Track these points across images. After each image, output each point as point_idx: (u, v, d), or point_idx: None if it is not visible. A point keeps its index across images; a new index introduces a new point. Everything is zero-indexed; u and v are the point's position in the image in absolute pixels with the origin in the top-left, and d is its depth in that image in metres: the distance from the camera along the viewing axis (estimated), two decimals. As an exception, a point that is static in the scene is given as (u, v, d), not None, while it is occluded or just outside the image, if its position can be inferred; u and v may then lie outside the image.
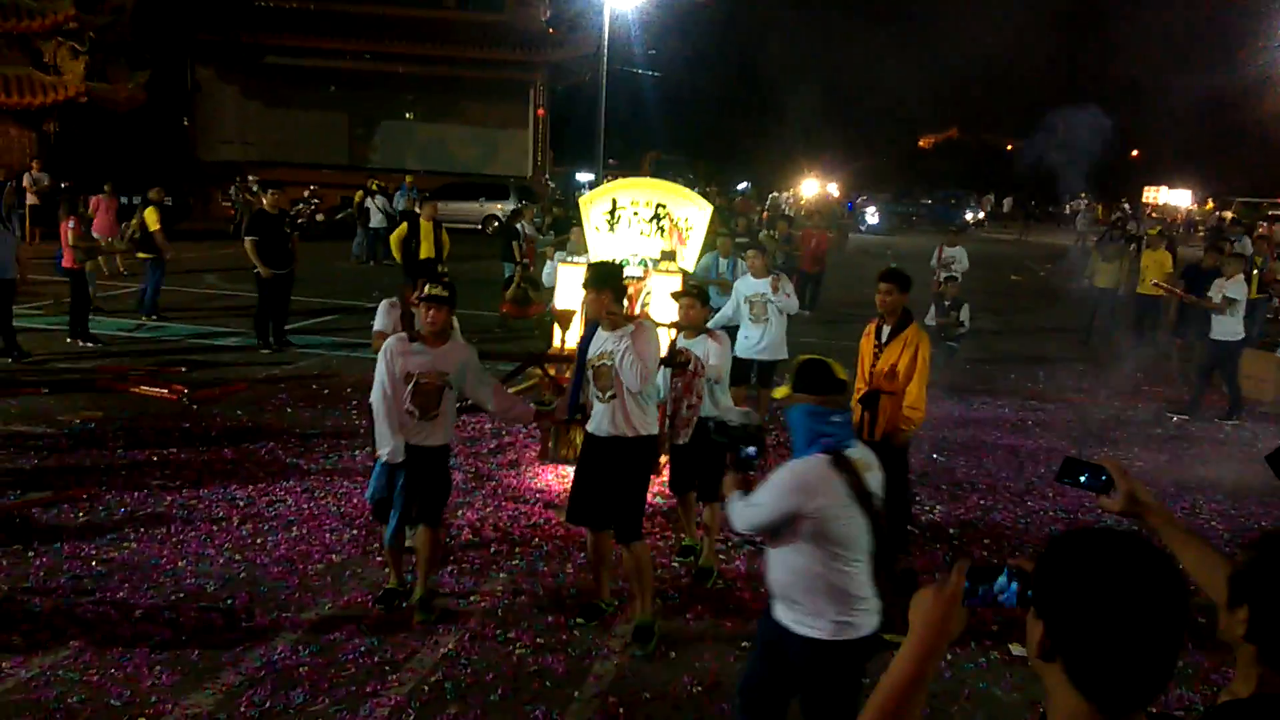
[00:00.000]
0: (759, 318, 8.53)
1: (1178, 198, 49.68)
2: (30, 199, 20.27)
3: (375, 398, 5.08)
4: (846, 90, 50.83)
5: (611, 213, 8.64)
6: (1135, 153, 61.65)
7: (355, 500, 6.79)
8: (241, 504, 6.67)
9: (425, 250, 12.58)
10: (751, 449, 3.61)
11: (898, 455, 6.18)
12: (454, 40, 33.95)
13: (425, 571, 5.29)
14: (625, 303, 5.45)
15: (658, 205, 8.51)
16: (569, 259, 8.97)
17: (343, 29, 33.62)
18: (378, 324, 5.96)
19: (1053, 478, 7.84)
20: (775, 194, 39.84)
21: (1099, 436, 9.43)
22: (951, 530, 6.83)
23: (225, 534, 6.17)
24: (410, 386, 5.02)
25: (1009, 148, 61.34)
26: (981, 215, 44.96)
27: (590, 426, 5.15)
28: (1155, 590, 1.40)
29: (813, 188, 42.40)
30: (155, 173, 25.14)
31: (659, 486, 6.84)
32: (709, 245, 9.53)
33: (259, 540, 6.10)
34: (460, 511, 6.70)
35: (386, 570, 5.47)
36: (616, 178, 12.71)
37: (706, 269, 10.11)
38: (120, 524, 6.26)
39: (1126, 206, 44.18)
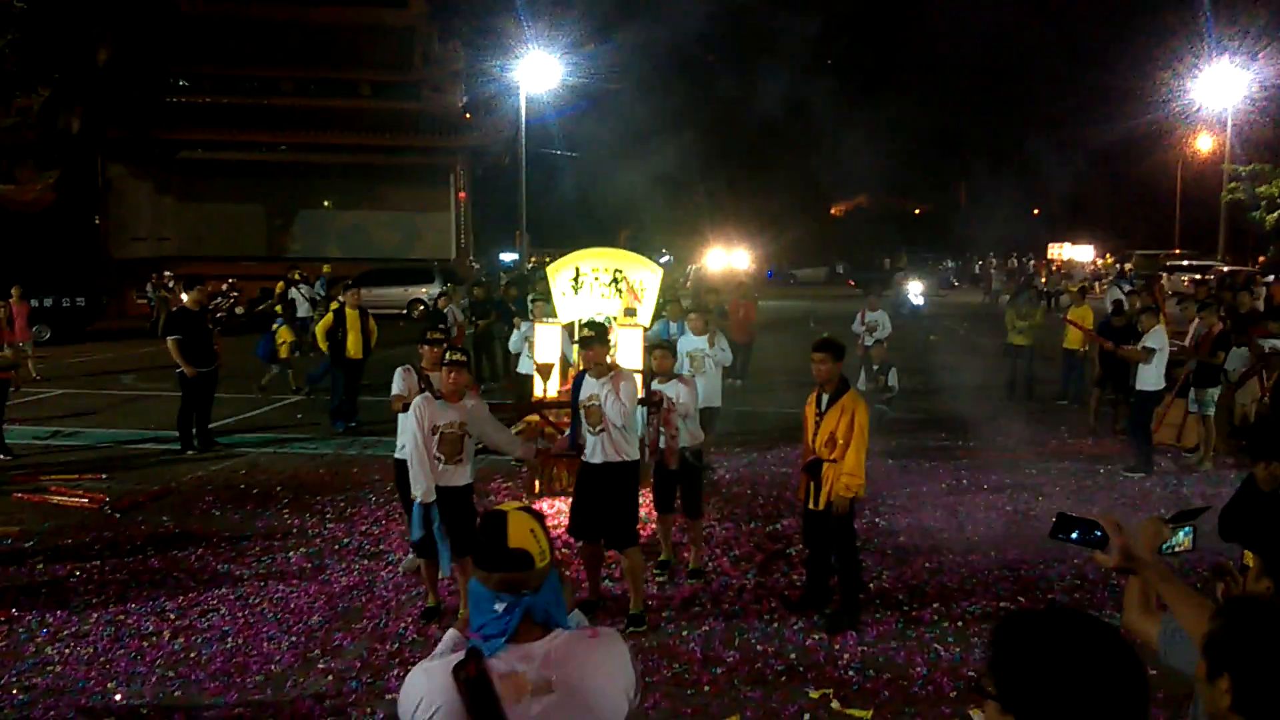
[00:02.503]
0: (698, 370, 9.56)
1: (1080, 253, 51.64)
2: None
3: (409, 449, 6.05)
4: (757, 161, 52.17)
5: (575, 278, 9.99)
6: (1036, 210, 64.24)
7: (293, 604, 6.57)
8: (172, 616, 6.39)
9: (353, 339, 12.39)
10: None
11: (843, 523, 6.24)
12: (370, 128, 34.13)
13: (466, 594, 5.88)
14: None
15: (615, 270, 9.85)
16: (544, 320, 10.22)
17: (257, 122, 33.58)
18: (395, 388, 6.75)
19: (993, 535, 8.01)
20: (695, 266, 40.45)
21: (1032, 490, 9.59)
22: (900, 596, 6.84)
23: (156, 650, 5.89)
24: (437, 437, 5.98)
25: (916, 211, 63.44)
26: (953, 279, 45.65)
27: (585, 455, 6.34)
28: (1117, 672, 1.41)
29: (719, 259, 43.14)
30: (66, 273, 24.58)
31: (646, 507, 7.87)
32: (659, 310, 10.78)
33: (192, 654, 5.83)
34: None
35: (424, 589, 6.53)
36: (547, 261, 13.48)
37: (658, 334, 10.90)
38: (42, 646, 5.94)
39: (1030, 263, 45.86)
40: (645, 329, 9.71)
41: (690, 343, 9.83)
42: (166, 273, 25.62)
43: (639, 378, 7.53)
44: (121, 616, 6.39)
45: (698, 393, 7.49)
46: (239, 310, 24.37)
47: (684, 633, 6.19)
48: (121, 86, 32.56)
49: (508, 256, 41.08)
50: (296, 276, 21.18)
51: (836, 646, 5.99)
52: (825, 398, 6.24)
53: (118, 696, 5.30)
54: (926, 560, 7.57)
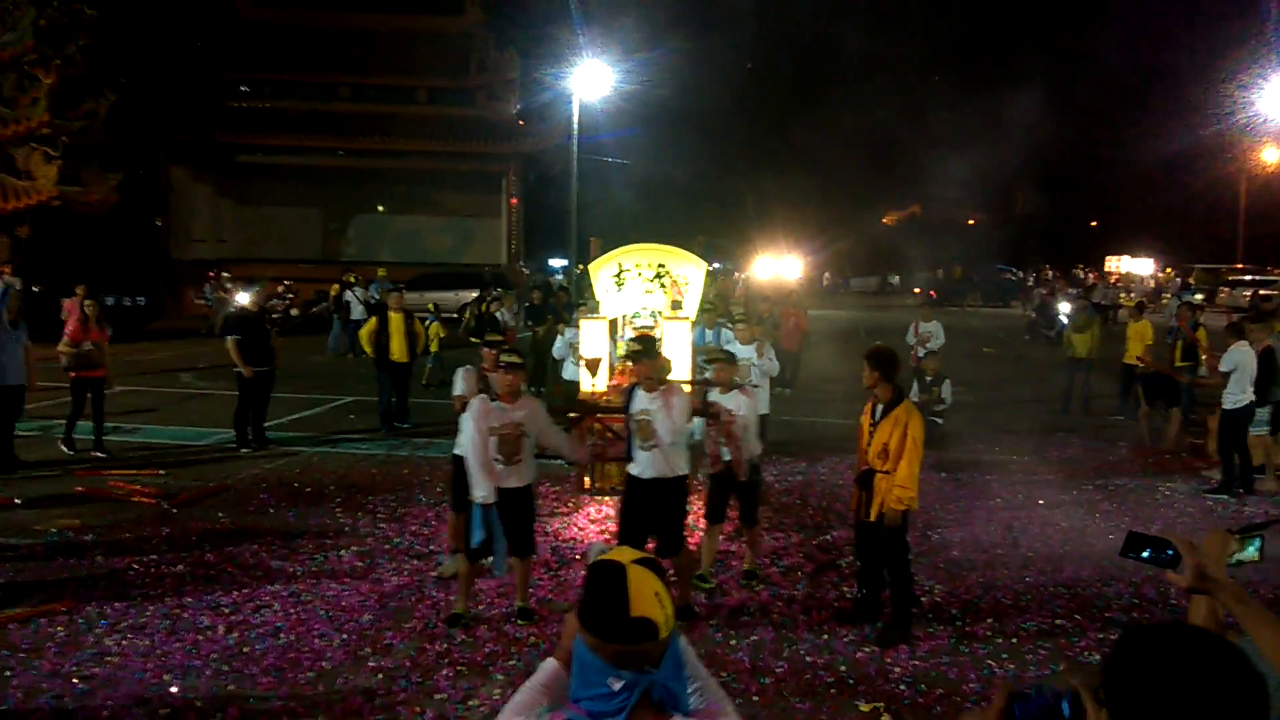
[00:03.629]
0: (744, 380, 9.22)
1: (1140, 266, 50.63)
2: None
3: (468, 450, 6.07)
4: (809, 170, 51.91)
5: (618, 275, 9.85)
6: (1094, 222, 63.10)
7: (344, 603, 6.63)
8: (227, 611, 6.49)
9: (397, 343, 12.38)
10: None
11: (895, 535, 6.15)
12: (426, 134, 34.50)
13: (523, 591, 6.44)
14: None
15: (659, 265, 9.70)
16: (590, 316, 10.16)
17: (314, 127, 34.13)
18: (457, 389, 7.00)
19: (1049, 552, 7.86)
20: (743, 275, 40.30)
21: (1088, 506, 9.40)
22: (954, 611, 6.73)
23: (211, 644, 5.98)
24: (495, 439, 6.02)
25: (970, 222, 62.61)
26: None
27: (634, 471, 6.31)
28: (1236, 692, 1.36)
29: (768, 268, 42.82)
30: (128, 273, 25.17)
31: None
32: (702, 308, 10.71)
33: (246, 649, 5.91)
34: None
35: (454, 598, 6.49)
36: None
37: (694, 340, 10.80)
38: (101, 637, 6.05)
39: (1088, 275, 44.99)
40: (693, 323, 9.75)
41: (737, 352, 9.74)
42: (224, 274, 26.11)
43: (687, 387, 7.54)
44: (178, 610, 6.49)
45: (756, 406, 7.29)
46: (294, 312, 24.80)
47: (732, 641, 6.15)
48: (184, 91, 33.34)
49: (557, 262, 41.28)
50: (352, 280, 21.49)
51: (888, 660, 5.91)
52: (879, 408, 6.17)
53: (174, 688, 5.38)
54: (980, 575, 7.45)
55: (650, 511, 6.25)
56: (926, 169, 48.27)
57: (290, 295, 25.59)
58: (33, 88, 24.81)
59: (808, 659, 5.91)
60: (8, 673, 5.52)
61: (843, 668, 5.79)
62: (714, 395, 7.14)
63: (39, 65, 24.61)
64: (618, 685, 1.83)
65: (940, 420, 11.54)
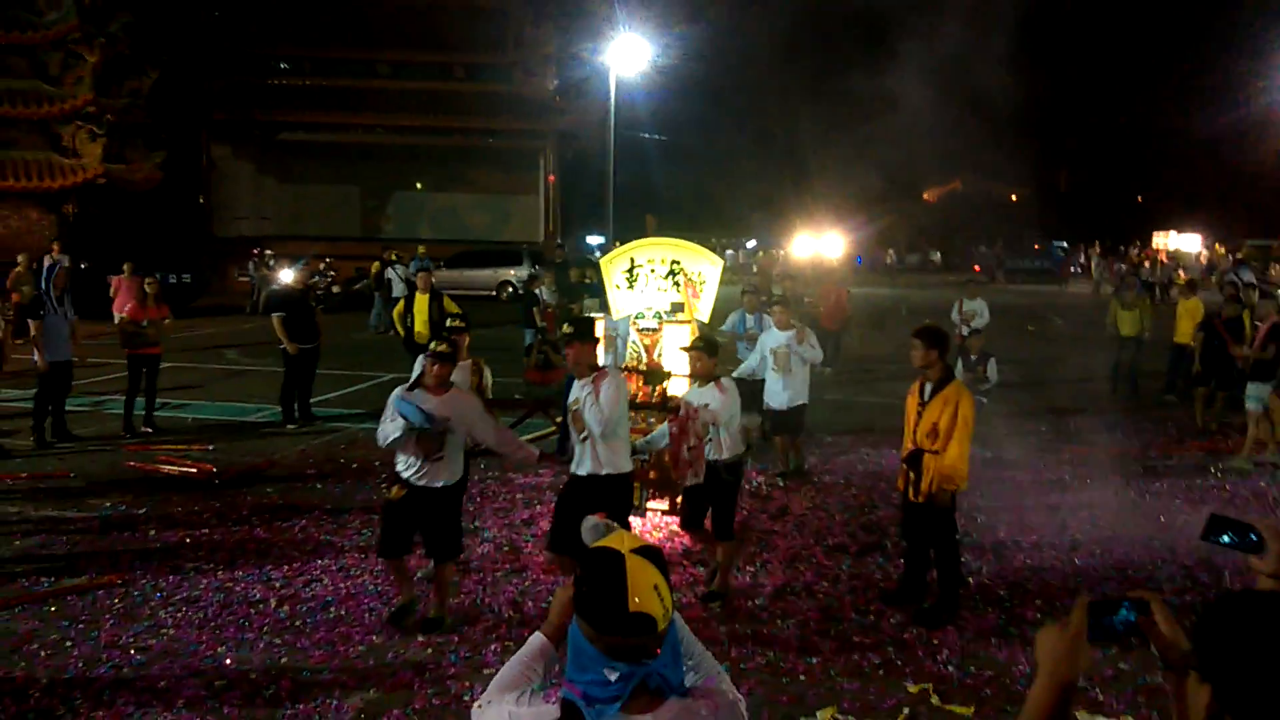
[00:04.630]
0: (782, 368, 9.21)
1: (1187, 242, 49.69)
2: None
3: (379, 439, 5.72)
4: (847, 145, 51.34)
5: (630, 271, 9.15)
6: (1140, 198, 61.96)
7: (393, 576, 6.68)
8: (278, 585, 6.58)
9: (419, 323, 12.09)
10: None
11: (943, 516, 6.10)
12: (463, 111, 34.51)
13: (442, 600, 5.96)
14: (643, 352, 7.80)
15: (672, 262, 8.98)
16: (591, 313, 9.39)
17: (354, 104, 34.24)
18: (415, 376, 6.42)
19: (1098, 534, 7.76)
20: (779, 251, 40.04)
21: (1138, 488, 9.27)
22: (1001, 592, 6.68)
23: (263, 617, 6.07)
24: (414, 431, 5.54)
25: (1013, 198, 61.72)
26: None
27: (572, 466, 5.85)
28: None
29: (806, 245, 42.44)
30: (173, 250, 25.50)
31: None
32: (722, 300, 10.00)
33: (297, 622, 6.00)
34: (501, 587, 6.59)
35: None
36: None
37: (734, 325, 10.93)
38: (156, 609, 6.17)
39: (1136, 252, 44.25)
40: (704, 323, 9.06)
41: (774, 338, 9.39)
42: (267, 251, 26.37)
43: (688, 383, 7.00)
44: (230, 584, 6.60)
45: (736, 399, 6.49)
46: (335, 289, 25.01)
47: (778, 620, 6.14)
48: (226, 69, 33.58)
49: (594, 239, 41.26)
50: (393, 257, 21.59)
51: (935, 641, 5.87)
52: (928, 387, 6.10)
53: (228, 660, 5.48)
54: (1028, 557, 7.38)
55: (583, 512, 5.70)
56: (968, 144, 47.56)
57: (331, 273, 25.80)
58: (77, 66, 25.13)
59: (854, 639, 5.89)
60: (68, 642, 5.65)
61: (890, 648, 5.76)
62: (691, 389, 6.72)
63: (83, 44, 24.91)
64: (614, 676, 1.82)
65: (985, 399, 11.39)
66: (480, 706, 2.13)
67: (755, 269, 33.67)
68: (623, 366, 8.50)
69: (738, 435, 6.55)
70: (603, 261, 9.50)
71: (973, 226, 47.80)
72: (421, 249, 24.77)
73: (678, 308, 8.74)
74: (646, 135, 42.10)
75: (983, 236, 49.09)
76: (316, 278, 24.43)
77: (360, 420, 11.87)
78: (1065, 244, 46.33)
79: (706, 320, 9.20)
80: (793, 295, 14.37)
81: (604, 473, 5.69)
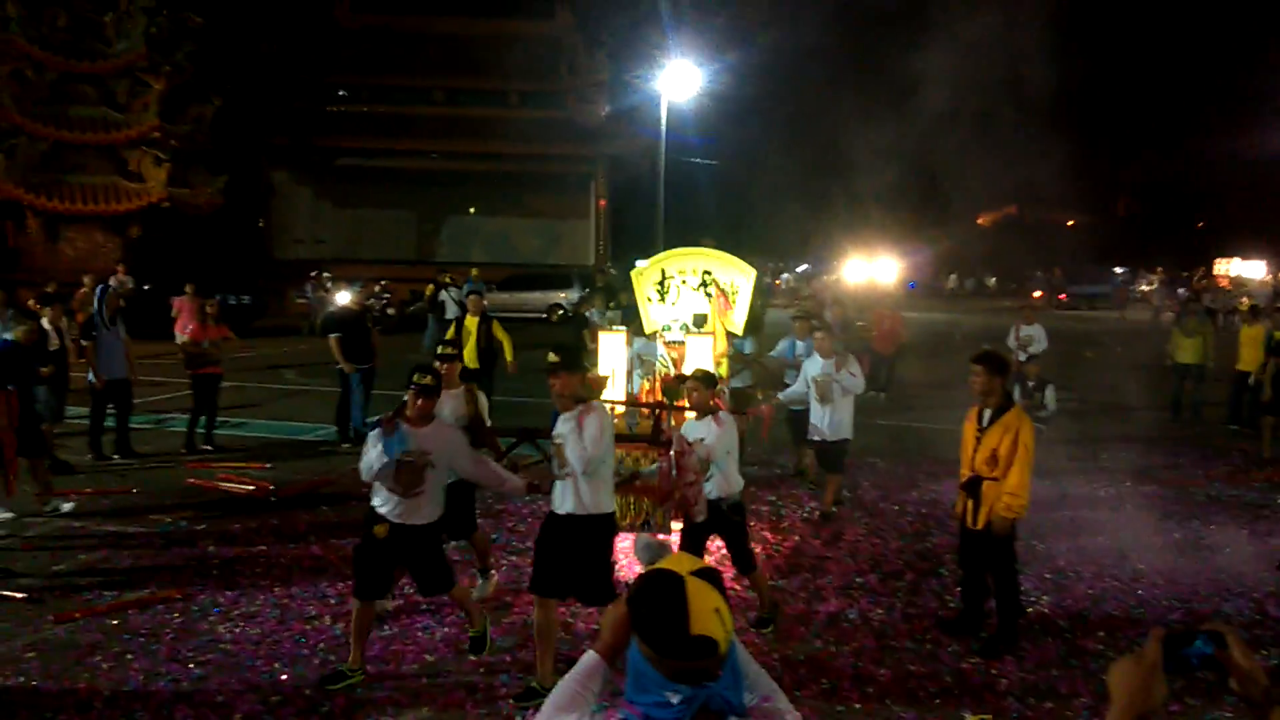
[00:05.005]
0: (824, 398, 8.69)
1: (1251, 269, 48.55)
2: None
3: (362, 471, 5.45)
4: (901, 168, 51.00)
5: (661, 282, 8.92)
6: (1201, 223, 60.72)
7: (444, 597, 6.71)
8: (333, 602, 6.64)
9: (469, 349, 11.76)
10: None
11: (1003, 544, 6.00)
12: (516, 137, 34.95)
13: (475, 617, 5.86)
14: (670, 366, 7.47)
15: (704, 272, 8.74)
16: (609, 327, 9.28)
17: (409, 130, 34.84)
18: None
19: (1161, 564, 7.56)
20: (831, 276, 39.74)
21: (1202, 518, 9.03)
22: (1062, 623, 6.53)
23: (318, 634, 6.13)
24: (395, 465, 5.30)
25: (1070, 223, 60.85)
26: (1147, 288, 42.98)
27: (553, 503, 5.44)
28: None
29: (858, 270, 42.06)
30: (233, 272, 26.05)
31: None
32: (756, 315, 9.82)
33: (351, 640, 6.02)
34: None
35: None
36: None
37: (783, 351, 10.52)
38: (214, 624, 6.25)
39: (1198, 278, 43.28)
40: (738, 335, 8.88)
41: (815, 365, 8.87)
42: (325, 274, 26.81)
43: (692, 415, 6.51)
44: (286, 600, 6.67)
45: (733, 434, 6.28)
46: (390, 311, 25.34)
47: (832, 648, 6.06)
48: (285, 96, 34.39)
49: (644, 263, 41.34)
50: (447, 280, 21.80)
51: (994, 671, 5.76)
52: (987, 413, 6.01)
53: (283, 676, 5.53)
54: (1088, 587, 7.22)
55: (567, 554, 5.31)
56: (1023, 168, 47.02)
57: (387, 295, 26.16)
58: (144, 94, 25.91)
59: (910, 668, 5.79)
60: (129, 655, 5.74)
61: (947, 678, 5.66)
62: (687, 422, 6.44)
63: (150, 72, 25.68)
64: (676, 699, 1.80)
65: (1043, 427, 11.20)
66: None
67: (808, 293, 33.51)
68: (642, 387, 8.38)
69: (733, 474, 6.25)
70: (633, 274, 9.23)
71: (1029, 252, 47.13)
72: (475, 271, 25.04)
73: (701, 320, 8.53)
74: (697, 160, 42.25)
75: (1039, 262, 48.42)
76: (372, 300, 24.80)
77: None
78: (1124, 270, 45.50)
79: (740, 333, 9.01)
80: (844, 320, 14.30)
81: (585, 513, 5.28)
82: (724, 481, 6.18)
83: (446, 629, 6.21)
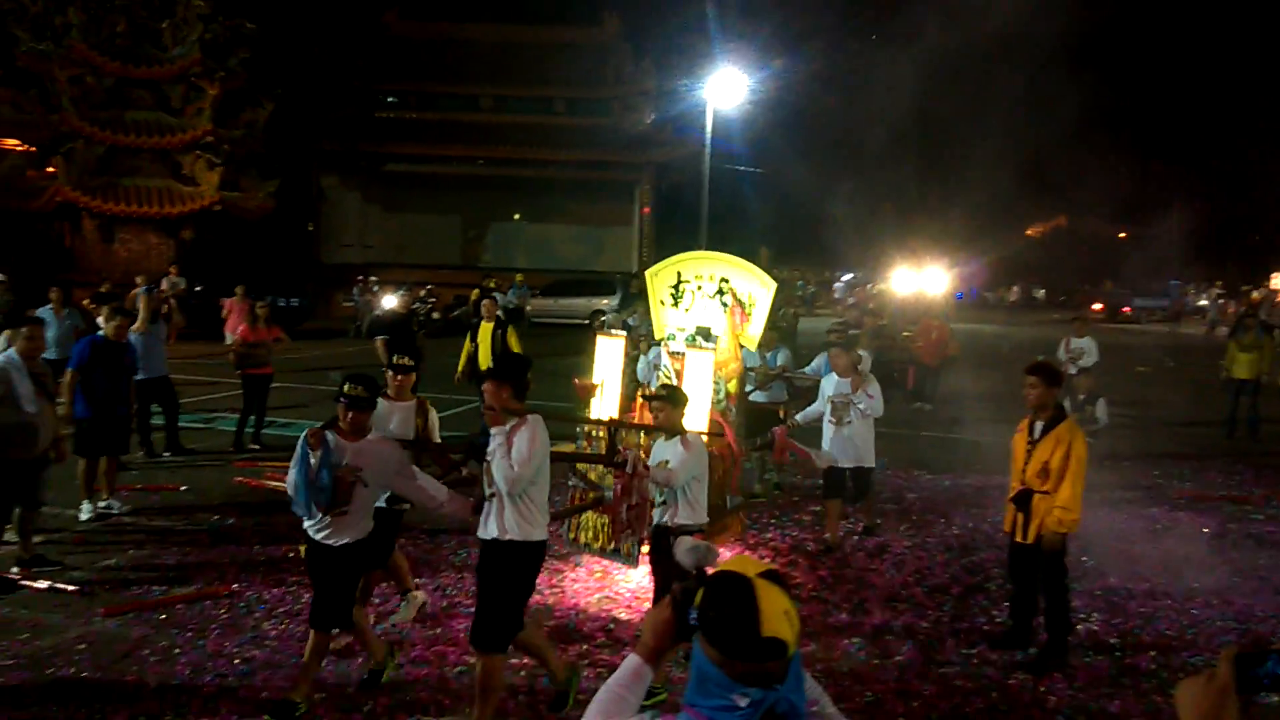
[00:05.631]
0: (839, 421, 8.07)
1: (1310, 283, 47.39)
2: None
3: (288, 486, 5.03)
4: (950, 179, 50.62)
5: (676, 286, 8.25)
6: (1258, 236, 59.42)
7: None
8: (376, 601, 6.66)
9: (483, 353, 11.44)
10: (694, 614, 1.94)
11: (1053, 559, 5.89)
12: (562, 144, 35.12)
13: (306, 676, 5.14)
14: (674, 376, 6.69)
15: (720, 279, 8.00)
16: (609, 333, 8.44)
17: (457, 136, 35.15)
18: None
19: (1215, 583, 7.38)
20: (876, 286, 39.41)
21: (1258, 538, 8.81)
22: (1113, 640, 6.39)
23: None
24: (319, 480, 4.87)
25: (1121, 235, 59.88)
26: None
27: (479, 527, 4.92)
28: None
29: (906, 280, 41.61)
30: (283, 275, 26.42)
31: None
32: (771, 325, 8.84)
33: (394, 639, 6.06)
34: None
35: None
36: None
37: (818, 369, 9.92)
38: (260, 621, 6.31)
39: (1255, 292, 42.36)
40: (749, 350, 8.23)
41: (833, 385, 8.22)
42: (371, 278, 27.12)
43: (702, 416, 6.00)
44: (330, 599, 6.71)
45: (702, 460, 5.67)
46: (435, 315, 25.56)
47: (875, 661, 5.97)
48: (336, 102, 34.87)
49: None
50: (492, 285, 21.94)
51: (1042, 689, 5.64)
52: (1039, 426, 5.91)
53: (327, 674, 5.56)
54: (1141, 605, 7.06)
55: (479, 580, 4.95)
56: (1074, 179, 46.41)
57: (432, 299, 26.39)
58: (198, 99, 26.40)
59: (956, 683, 5.69)
60: (176, 650, 5.82)
61: (994, 694, 5.56)
62: (655, 443, 5.89)
63: (204, 78, 26.17)
64: (744, 702, 1.80)
65: (1094, 440, 11.00)
66: None
67: (850, 302, 33.28)
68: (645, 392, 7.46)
69: (700, 501, 5.65)
70: (648, 275, 8.56)
71: (1079, 263, 46.48)
72: (519, 277, 25.18)
73: (704, 333, 7.82)
74: (742, 168, 42.18)
75: (1089, 274, 47.73)
76: (418, 304, 25.02)
77: (457, 443, 12.03)
78: (1178, 283, 44.71)
79: (754, 347, 8.41)
80: (879, 331, 14.13)
81: (507, 538, 4.77)
82: (687, 509, 5.58)
83: (580, 583, 6.20)
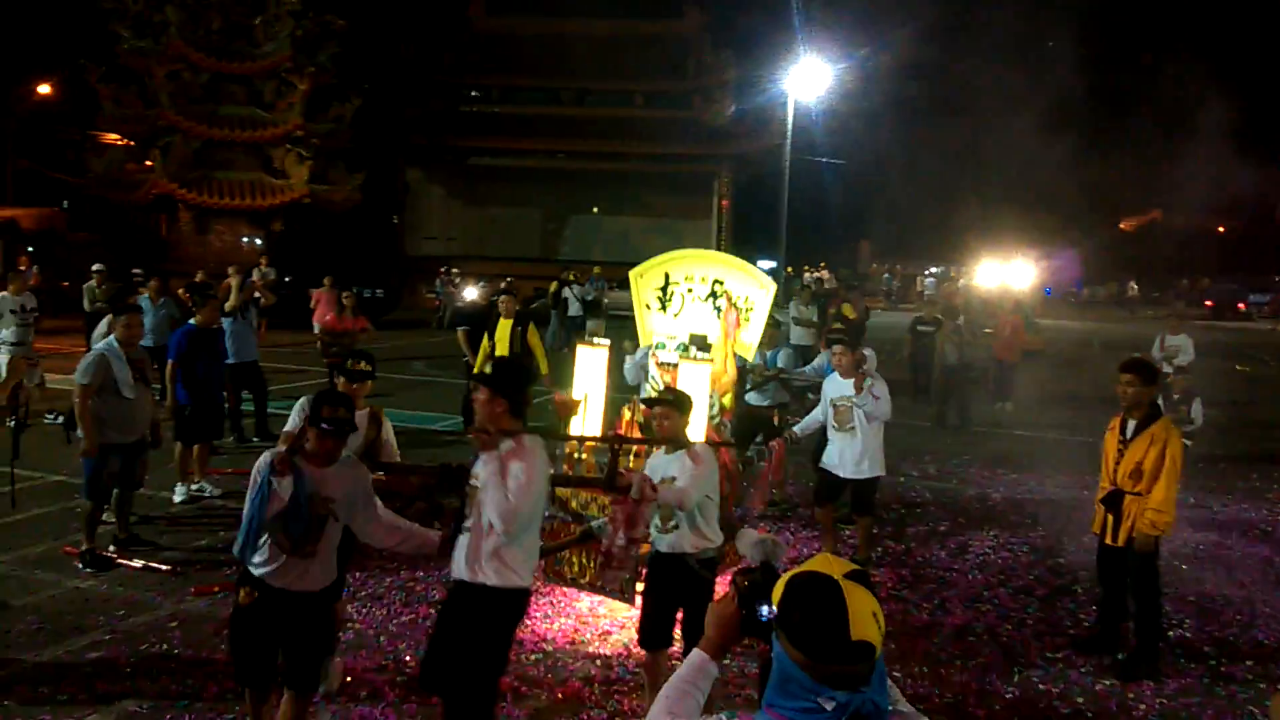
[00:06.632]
0: (842, 425, 7.32)
1: None
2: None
3: (246, 516, 4.14)
4: (1039, 170, 49.30)
5: (664, 288, 7.46)
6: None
7: (561, 588, 6.76)
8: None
9: (500, 352, 10.47)
10: (764, 608, 2.02)
11: (1145, 562, 5.70)
12: (641, 137, 35.12)
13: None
14: (663, 388, 5.43)
15: (714, 281, 7.24)
16: (591, 340, 7.57)
17: (538, 130, 35.41)
18: (289, 424, 5.25)
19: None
20: (960, 280, 38.59)
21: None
22: (1207, 649, 6.16)
23: (442, 618, 6.25)
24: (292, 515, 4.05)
25: (1220, 230, 57.66)
26: None
27: (452, 566, 4.18)
28: None
29: (992, 274, 40.64)
30: (369, 267, 26.97)
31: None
32: (859, 323, 8.32)
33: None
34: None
35: None
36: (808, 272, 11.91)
37: (818, 369, 9.08)
38: (343, 604, 6.44)
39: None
40: (746, 360, 7.37)
41: (835, 387, 7.42)
42: (454, 270, 27.50)
43: (708, 449, 5.09)
44: (411, 583, 6.84)
45: (713, 474, 4.88)
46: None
47: (956, 662, 5.85)
48: (421, 97, 35.42)
49: (765, 264, 41.12)
50: (571, 278, 22.11)
51: (1131, 696, 5.47)
52: (1132, 424, 5.72)
53: (407, 657, 5.66)
54: (1237, 612, 6.80)
55: (453, 630, 4.17)
56: (1169, 172, 44.78)
57: (511, 292, 26.61)
58: (289, 93, 27.02)
59: (1040, 686, 5.56)
60: (263, 630, 5.97)
61: (1080, 699, 5.41)
62: (655, 456, 5.07)
63: (295, 73, 26.77)
64: (830, 705, 1.77)
65: (1189, 442, 10.62)
66: None
67: (928, 296, 32.66)
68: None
69: (713, 522, 4.89)
70: (632, 275, 7.71)
71: (1174, 259, 44.93)
72: (597, 269, 25.27)
73: (698, 342, 7.04)
74: (823, 160, 41.72)
75: (1185, 270, 46.11)
76: (497, 296, 25.27)
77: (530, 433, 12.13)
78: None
79: (750, 358, 7.62)
80: (966, 330, 13.78)
81: (489, 583, 4.01)
82: (698, 534, 4.82)
83: (564, 620, 6.26)
